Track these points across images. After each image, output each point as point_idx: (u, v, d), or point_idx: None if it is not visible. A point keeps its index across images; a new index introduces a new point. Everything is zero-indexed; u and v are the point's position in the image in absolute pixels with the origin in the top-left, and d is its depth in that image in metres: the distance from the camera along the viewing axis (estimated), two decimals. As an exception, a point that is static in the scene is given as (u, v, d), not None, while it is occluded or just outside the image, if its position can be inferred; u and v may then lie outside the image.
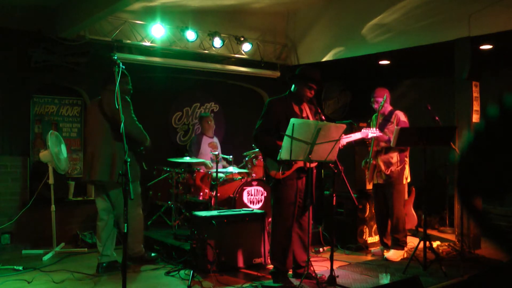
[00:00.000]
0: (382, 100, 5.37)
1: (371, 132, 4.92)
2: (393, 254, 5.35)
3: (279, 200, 4.32)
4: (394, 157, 5.39)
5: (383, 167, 5.40)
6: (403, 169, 5.40)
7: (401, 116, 5.42)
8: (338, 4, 7.40)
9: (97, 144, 4.73)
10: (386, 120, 5.46)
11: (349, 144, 4.96)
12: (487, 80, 6.22)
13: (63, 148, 5.78)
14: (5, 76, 5.80)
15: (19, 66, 5.87)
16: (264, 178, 5.72)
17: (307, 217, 4.40)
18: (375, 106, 5.48)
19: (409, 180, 5.51)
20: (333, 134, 4.18)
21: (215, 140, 7.00)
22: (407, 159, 5.46)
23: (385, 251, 5.50)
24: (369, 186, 5.91)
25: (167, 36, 6.71)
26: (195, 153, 6.77)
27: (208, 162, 6.47)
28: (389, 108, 5.52)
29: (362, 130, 4.88)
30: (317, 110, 4.52)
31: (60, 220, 5.95)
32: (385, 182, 5.41)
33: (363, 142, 5.62)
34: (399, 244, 5.40)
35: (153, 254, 5.26)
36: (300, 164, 4.28)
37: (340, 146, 4.55)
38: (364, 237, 5.93)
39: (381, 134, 5.20)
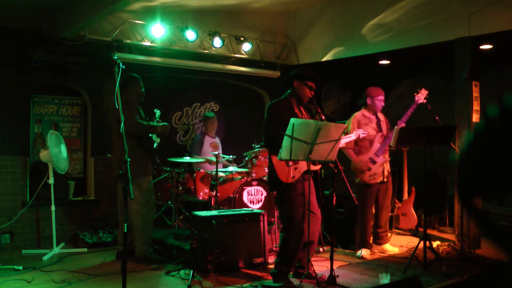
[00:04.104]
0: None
1: (362, 133, 4.97)
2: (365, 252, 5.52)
3: (290, 204, 4.29)
4: (387, 156, 5.61)
5: (387, 166, 5.57)
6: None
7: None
8: (338, 4, 7.40)
9: (113, 144, 5.27)
10: (380, 120, 5.63)
11: (356, 140, 5.02)
12: (487, 80, 6.22)
13: (63, 148, 5.78)
14: (5, 76, 5.80)
15: (19, 66, 5.86)
16: (267, 183, 5.69)
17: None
18: (382, 105, 5.56)
19: None
20: (333, 134, 4.18)
21: (217, 140, 7.00)
22: None
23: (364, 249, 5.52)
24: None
25: (167, 36, 6.71)
26: (198, 152, 6.76)
27: (212, 158, 6.46)
28: None
29: (355, 131, 4.91)
30: (317, 110, 4.52)
31: (60, 220, 5.96)
32: (387, 180, 5.57)
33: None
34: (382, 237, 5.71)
35: (157, 257, 5.24)
36: (305, 167, 4.30)
37: (342, 145, 4.58)
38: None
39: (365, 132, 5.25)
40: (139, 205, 5.06)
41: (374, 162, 5.42)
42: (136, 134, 5.07)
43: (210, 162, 6.45)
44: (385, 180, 5.53)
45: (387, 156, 5.53)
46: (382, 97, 5.54)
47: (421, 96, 5.28)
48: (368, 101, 5.52)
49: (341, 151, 5.13)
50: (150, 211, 5.26)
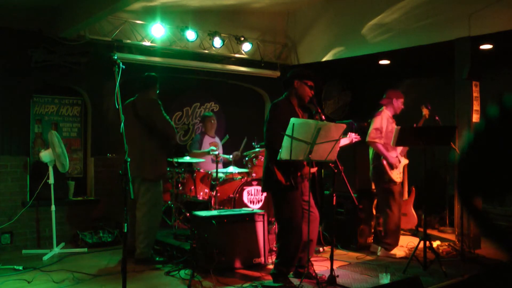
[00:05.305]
0: None
1: (354, 137, 5.00)
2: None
3: (289, 205, 4.28)
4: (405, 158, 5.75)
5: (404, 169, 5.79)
6: None
7: None
8: (338, 4, 7.40)
9: (129, 143, 5.05)
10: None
11: (350, 144, 5.01)
12: (487, 80, 6.22)
13: (63, 147, 5.78)
14: (5, 76, 5.80)
15: (19, 66, 5.86)
16: (262, 183, 5.69)
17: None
18: (402, 107, 5.67)
19: None
20: (333, 134, 4.18)
21: (217, 140, 7.00)
22: None
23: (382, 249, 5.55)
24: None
25: (167, 36, 6.71)
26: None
27: (210, 149, 6.42)
28: None
29: (349, 135, 4.95)
30: (317, 110, 4.51)
31: (60, 220, 5.96)
32: (402, 181, 5.73)
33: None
34: None
35: (158, 259, 5.23)
36: (304, 170, 4.31)
37: (365, 139, 4.68)
38: (364, 237, 5.93)
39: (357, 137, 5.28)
40: (146, 206, 5.07)
41: (399, 161, 5.53)
42: (167, 134, 5.16)
43: (209, 152, 6.41)
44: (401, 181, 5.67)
45: (405, 158, 5.65)
46: (403, 100, 5.67)
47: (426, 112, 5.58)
48: (394, 102, 5.61)
49: (348, 149, 5.20)
50: (158, 214, 5.26)
